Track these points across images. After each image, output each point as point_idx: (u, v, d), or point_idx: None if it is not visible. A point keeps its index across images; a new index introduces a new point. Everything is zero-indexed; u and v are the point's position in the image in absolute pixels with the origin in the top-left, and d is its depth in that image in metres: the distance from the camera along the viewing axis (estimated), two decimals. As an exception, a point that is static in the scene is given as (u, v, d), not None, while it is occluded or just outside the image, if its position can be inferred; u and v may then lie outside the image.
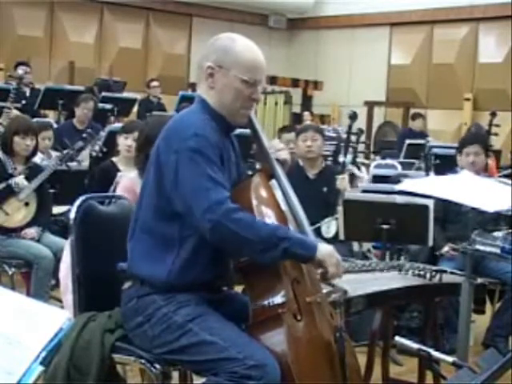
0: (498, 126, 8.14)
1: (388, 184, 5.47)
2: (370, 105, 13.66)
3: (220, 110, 2.61)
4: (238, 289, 2.90)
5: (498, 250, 3.55)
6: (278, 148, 2.73)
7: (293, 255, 2.48)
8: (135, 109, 10.25)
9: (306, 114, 12.24)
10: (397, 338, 2.42)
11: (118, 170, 4.79)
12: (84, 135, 5.52)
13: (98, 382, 2.63)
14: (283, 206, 2.65)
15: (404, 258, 4.79)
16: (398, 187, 4.10)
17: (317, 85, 14.42)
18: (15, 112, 6.92)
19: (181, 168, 2.47)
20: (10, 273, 4.81)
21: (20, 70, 8.49)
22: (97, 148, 5.81)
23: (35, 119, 6.53)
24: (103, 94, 9.55)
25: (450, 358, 2.29)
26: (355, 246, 5.67)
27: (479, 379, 2.00)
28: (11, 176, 4.88)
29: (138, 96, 10.49)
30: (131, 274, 2.63)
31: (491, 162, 7.31)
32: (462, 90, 12.93)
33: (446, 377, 3.17)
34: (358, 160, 6.61)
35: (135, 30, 13.91)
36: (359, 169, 6.27)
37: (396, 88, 13.84)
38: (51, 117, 9.35)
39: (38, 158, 5.41)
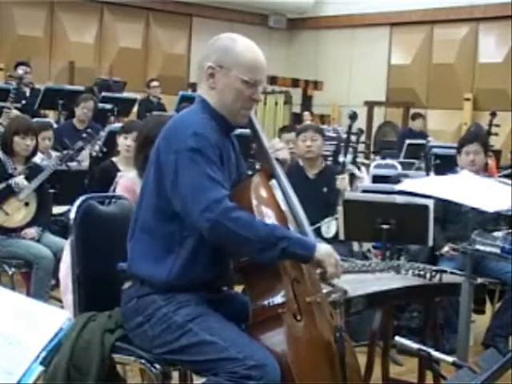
0: (497, 125, 8.13)
1: (388, 184, 5.47)
2: (370, 105, 13.66)
3: (220, 110, 2.61)
4: (238, 289, 2.90)
5: (498, 250, 3.55)
6: (277, 147, 2.73)
7: (291, 255, 2.48)
8: (135, 109, 10.25)
9: (306, 113, 12.24)
10: (397, 338, 2.42)
11: (118, 170, 4.79)
12: (84, 135, 5.51)
13: (98, 382, 2.63)
14: (283, 206, 2.65)
15: (404, 258, 4.79)
16: (397, 187, 4.10)
17: (317, 85, 14.42)
18: (15, 112, 6.92)
19: (180, 168, 2.47)
20: (10, 273, 4.81)
21: (20, 70, 8.50)
22: (97, 148, 5.81)
23: (35, 119, 6.53)
24: (103, 93, 9.54)
25: (449, 358, 2.29)
26: (355, 246, 5.67)
27: (479, 379, 2.00)
28: (11, 176, 4.88)
29: (138, 96, 10.49)
30: (131, 274, 2.63)
31: (491, 162, 7.31)
32: (461, 90, 12.94)
33: (446, 377, 3.18)
34: (358, 160, 6.60)
35: (135, 30, 13.91)
36: (359, 169, 6.27)
37: (396, 88, 13.84)
38: (51, 117, 9.35)
39: (38, 158, 5.41)
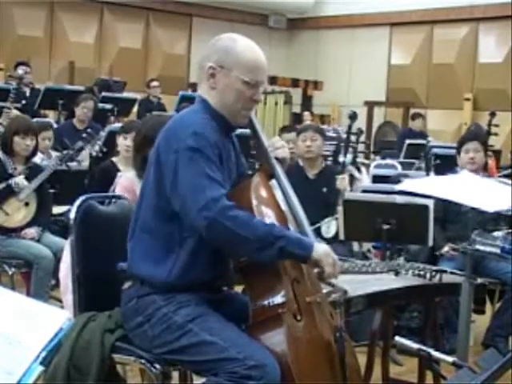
0: (497, 125, 8.13)
1: (388, 184, 5.46)
2: (370, 105, 13.66)
3: (221, 110, 2.61)
4: (238, 289, 2.90)
5: (498, 250, 3.55)
6: (277, 146, 2.72)
7: (289, 254, 2.48)
8: (135, 109, 10.25)
9: (306, 113, 12.24)
10: (397, 338, 2.42)
11: (118, 170, 4.79)
12: (84, 135, 5.51)
13: (98, 382, 2.63)
14: (283, 206, 2.65)
15: (404, 258, 4.79)
16: (397, 187, 4.10)
17: (317, 85, 14.43)
18: (15, 112, 6.92)
19: (180, 167, 2.47)
20: (10, 273, 4.81)
21: (20, 70, 8.50)
22: (97, 148, 5.81)
23: (35, 119, 6.53)
24: (103, 93, 9.54)
25: (449, 358, 2.29)
26: (355, 246, 5.67)
27: (479, 379, 2.00)
28: (11, 176, 4.88)
29: (138, 96, 10.49)
30: (131, 273, 2.63)
31: (491, 162, 7.31)
32: (461, 90, 12.94)
33: (446, 377, 3.18)
34: (358, 160, 6.60)
35: (135, 30, 13.91)
36: (359, 170, 6.27)
37: (396, 88, 13.85)
38: (51, 117, 9.35)
39: (38, 158, 5.41)
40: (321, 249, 2.50)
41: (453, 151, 5.38)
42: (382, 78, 14.10)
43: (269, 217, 2.56)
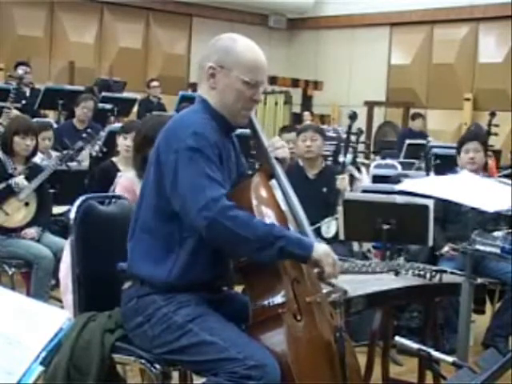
0: (497, 125, 8.13)
1: (388, 184, 5.46)
2: (370, 105, 13.66)
3: (221, 110, 2.61)
4: (238, 289, 2.90)
5: (498, 250, 3.55)
6: (277, 146, 2.72)
7: (289, 254, 2.48)
8: (135, 109, 10.25)
9: (306, 114, 12.24)
10: (397, 338, 2.43)
11: (118, 170, 4.79)
12: (84, 135, 5.51)
13: (98, 382, 2.63)
14: (283, 206, 2.65)
15: (404, 258, 4.79)
16: (397, 187, 4.10)
17: (317, 85, 14.43)
18: (15, 112, 6.92)
19: (180, 168, 2.47)
20: (10, 273, 4.81)
21: (20, 70, 8.50)
22: (97, 148, 5.81)
23: (35, 119, 6.53)
24: (103, 93, 9.54)
25: (450, 358, 2.29)
26: (355, 246, 5.67)
27: (479, 379, 2.00)
28: (11, 176, 4.88)
29: (138, 96, 10.49)
30: (131, 273, 2.63)
31: (491, 162, 7.31)
32: (461, 90, 12.94)
33: (446, 377, 3.18)
34: (358, 160, 6.60)
35: (135, 30, 13.91)
36: (359, 170, 6.26)
37: (396, 88, 13.85)
38: (51, 117, 9.35)
39: (38, 158, 5.41)
40: (321, 249, 2.50)
41: (453, 151, 5.38)
42: (382, 78, 14.10)
43: (269, 217, 2.56)
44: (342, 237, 4.49)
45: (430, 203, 4.14)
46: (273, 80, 13.04)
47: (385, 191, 4.63)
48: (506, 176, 6.89)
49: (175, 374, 2.97)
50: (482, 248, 3.59)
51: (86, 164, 5.96)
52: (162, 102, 11.27)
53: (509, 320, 4.65)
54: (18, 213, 4.88)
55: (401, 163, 7.64)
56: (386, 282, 3.36)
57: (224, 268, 2.66)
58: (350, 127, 5.67)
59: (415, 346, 2.36)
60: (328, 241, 4.59)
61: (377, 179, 6.47)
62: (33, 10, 12.69)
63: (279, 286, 2.52)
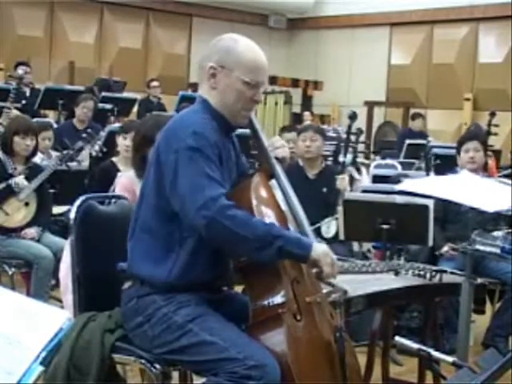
0: (497, 125, 8.13)
1: (388, 184, 5.46)
2: (370, 105, 13.66)
3: (221, 110, 2.62)
4: (238, 289, 2.90)
5: (498, 250, 3.55)
6: (276, 145, 2.73)
7: (288, 254, 2.48)
8: (135, 109, 10.25)
9: (306, 114, 12.24)
10: (397, 338, 2.42)
11: (118, 170, 4.79)
12: (84, 135, 5.52)
13: (98, 382, 2.63)
14: (283, 206, 2.65)
15: (404, 258, 4.79)
16: (397, 187, 4.10)
17: (317, 85, 14.43)
18: (15, 112, 6.92)
19: (180, 167, 2.47)
20: (10, 273, 4.81)
21: (20, 70, 8.50)
22: (97, 148, 5.81)
23: (35, 119, 6.53)
24: (103, 93, 9.54)
25: (449, 358, 2.29)
26: (355, 246, 5.67)
27: (479, 379, 2.00)
28: (11, 176, 4.88)
29: (138, 96, 10.49)
30: (131, 274, 2.63)
31: (491, 162, 7.31)
32: (461, 90, 12.94)
33: (446, 377, 3.18)
34: (358, 160, 6.60)
35: (135, 30, 13.91)
36: (359, 170, 6.27)
37: (396, 88, 13.85)
38: (51, 117, 9.35)
39: (38, 158, 5.41)
40: (320, 249, 2.50)
41: (453, 151, 5.38)
42: (382, 78, 14.10)
43: (269, 217, 2.56)
44: (341, 237, 4.49)
45: (430, 203, 4.14)
46: (273, 80, 13.03)
47: (385, 191, 4.63)
48: (506, 176, 6.89)
49: (175, 374, 2.97)
50: (481, 248, 3.59)
51: (86, 164, 5.96)
52: (161, 101, 11.27)
53: (509, 320, 4.65)
54: (18, 213, 4.88)
55: (401, 163, 7.64)
56: (386, 281, 3.36)
57: (224, 268, 2.66)
58: (349, 127, 5.67)
59: (415, 345, 2.36)
60: (328, 241, 4.59)
61: (377, 179, 6.47)
62: (33, 10, 12.69)
63: (279, 286, 2.52)
